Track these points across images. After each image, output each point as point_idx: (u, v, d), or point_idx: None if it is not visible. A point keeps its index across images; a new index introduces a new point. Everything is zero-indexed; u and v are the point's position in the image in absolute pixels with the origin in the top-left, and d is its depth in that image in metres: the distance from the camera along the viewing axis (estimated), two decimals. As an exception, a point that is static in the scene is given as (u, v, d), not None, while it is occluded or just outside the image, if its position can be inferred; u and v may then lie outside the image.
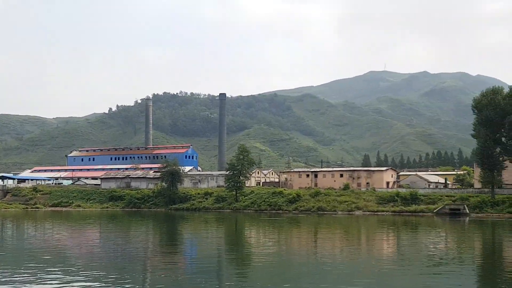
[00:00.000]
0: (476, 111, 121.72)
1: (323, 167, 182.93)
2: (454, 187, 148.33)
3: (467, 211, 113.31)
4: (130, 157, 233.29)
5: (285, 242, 68.71)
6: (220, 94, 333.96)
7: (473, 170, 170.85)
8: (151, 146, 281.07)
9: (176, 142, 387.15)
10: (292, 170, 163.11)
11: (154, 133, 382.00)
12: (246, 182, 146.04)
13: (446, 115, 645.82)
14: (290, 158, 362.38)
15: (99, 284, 35.88)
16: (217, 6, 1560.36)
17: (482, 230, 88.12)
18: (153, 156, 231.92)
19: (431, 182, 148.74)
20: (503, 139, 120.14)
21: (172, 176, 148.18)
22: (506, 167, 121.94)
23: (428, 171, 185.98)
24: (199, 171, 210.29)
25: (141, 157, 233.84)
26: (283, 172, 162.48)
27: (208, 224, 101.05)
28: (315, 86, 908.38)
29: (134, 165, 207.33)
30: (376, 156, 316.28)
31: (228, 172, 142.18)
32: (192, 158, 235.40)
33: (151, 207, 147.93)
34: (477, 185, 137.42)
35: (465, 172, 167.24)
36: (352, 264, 47.57)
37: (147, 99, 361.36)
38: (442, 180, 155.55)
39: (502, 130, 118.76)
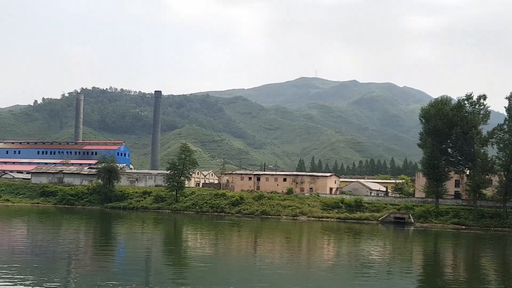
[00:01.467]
0: (423, 120, 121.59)
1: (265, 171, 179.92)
2: (395, 195, 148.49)
3: (412, 221, 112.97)
4: (59, 152, 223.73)
5: (224, 246, 66.37)
6: (155, 91, 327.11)
7: (411, 179, 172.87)
8: (81, 142, 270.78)
9: (104, 138, 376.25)
10: (234, 172, 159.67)
11: (82, 128, 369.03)
12: (186, 182, 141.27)
13: (373, 124, 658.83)
14: (223, 160, 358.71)
15: (12, 283, 34.17)
16: (145, 5, 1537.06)
17: (426, 239, 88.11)
18: (84, 152, 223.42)
19: (373, 190, 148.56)
20: (449, 150, 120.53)
21: (109, 173, 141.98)
22: (451, 177, 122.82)
23: (365, 179, 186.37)
24: (131, 169, 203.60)
25: (71, 152, 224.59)
26: (225, 173, 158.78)
27: (146, 225, 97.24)
28: (246, 89, 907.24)
29: (64, 160, 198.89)
30: (311, 162, 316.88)
31: (169, 171, 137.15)
32: (125, 155, 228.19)
33: (86, 204, 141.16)
34: (418, 194, 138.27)
35: (403, 181, 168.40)
36: (285, 270, 46.60)
37: (78, 92, 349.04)
38: (383, 188, 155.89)
39: (449, 141, 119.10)
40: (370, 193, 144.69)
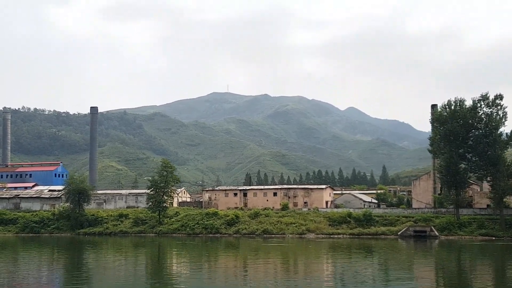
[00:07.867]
0: (436, 124, 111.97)
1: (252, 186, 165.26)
2: (383, 206, 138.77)
3: (436, 233, 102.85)
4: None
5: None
6: (91, 107, 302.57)
7: (388, 189, 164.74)
8: (12, 164, 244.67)
9: (20, 160, 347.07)
10: (217, 189, 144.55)
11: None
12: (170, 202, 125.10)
13: (291, 137, 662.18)
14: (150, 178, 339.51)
15: None
16: (29, 23, 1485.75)
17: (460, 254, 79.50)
18: (17, 175, 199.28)
19: (366, 202, 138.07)
20: (467, 155, 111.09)
21: (79, 196, 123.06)
22: (471, 185, 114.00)
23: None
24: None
25: (2, 175, 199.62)
26: (207, 190, 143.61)
27: (134, 251, 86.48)
28: (158, 105, 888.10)
29: (1, 184, 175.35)
30: (257, 175, 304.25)
31: (150, 190, 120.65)
32: (62, 176, 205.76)
33: (53, 231, 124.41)
34: (416, 204, 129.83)
35: (383, 191, 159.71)
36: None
37: (5, 111, 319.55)
38: (374, 200, 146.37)
39: (465, 146, 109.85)
40: (364, 205, 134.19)
